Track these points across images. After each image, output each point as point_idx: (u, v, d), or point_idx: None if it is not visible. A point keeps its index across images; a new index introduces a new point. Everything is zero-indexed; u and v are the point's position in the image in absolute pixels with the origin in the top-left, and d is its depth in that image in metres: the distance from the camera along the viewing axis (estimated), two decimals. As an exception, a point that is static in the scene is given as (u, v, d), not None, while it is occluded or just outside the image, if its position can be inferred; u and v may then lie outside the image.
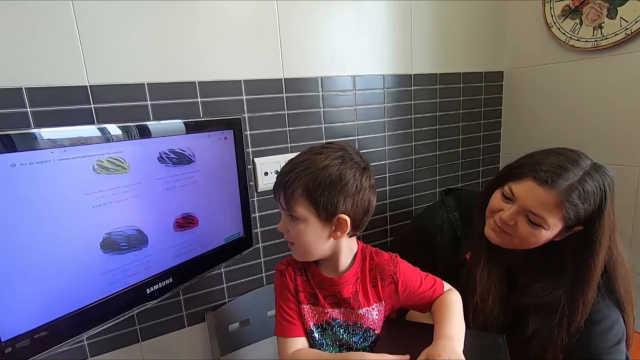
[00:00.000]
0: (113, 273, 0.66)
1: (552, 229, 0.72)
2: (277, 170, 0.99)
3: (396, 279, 0.70)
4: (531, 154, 0.77)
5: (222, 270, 1.00)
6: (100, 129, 0.64)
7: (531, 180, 0.71)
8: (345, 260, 0.69)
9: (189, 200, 0.78)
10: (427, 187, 1.28)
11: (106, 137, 0.64)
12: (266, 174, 0.99)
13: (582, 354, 0.71)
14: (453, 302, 0.71)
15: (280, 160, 1.00)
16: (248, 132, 0.96)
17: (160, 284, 0.74)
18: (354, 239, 0.71)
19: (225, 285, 1.01)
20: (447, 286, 0.76)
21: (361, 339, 0.69)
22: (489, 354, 0.62)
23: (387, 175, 1.19)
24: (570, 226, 0.72)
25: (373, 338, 0.69)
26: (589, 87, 1.12)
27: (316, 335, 0.68)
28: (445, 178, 1.31)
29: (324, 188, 0.61)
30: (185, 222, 0.79)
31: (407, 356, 0.60)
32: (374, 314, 0.69)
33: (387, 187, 1.20)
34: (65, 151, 0.58)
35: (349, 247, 0.69)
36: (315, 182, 0.61)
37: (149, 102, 0.83)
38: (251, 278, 1.04)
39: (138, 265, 0.69)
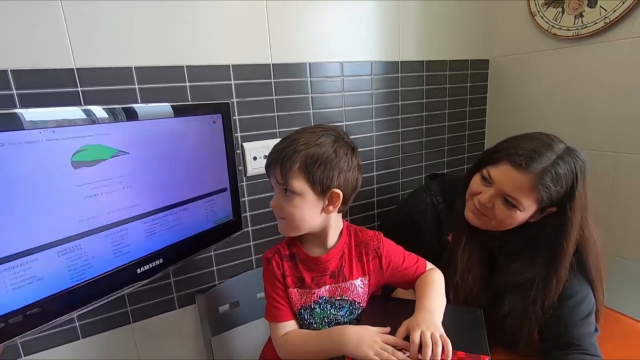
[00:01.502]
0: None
1: (527, 211, 0.75)
2: (266, 155, 1.01)
3: (380, 253, 0.74)
4: (508, 139, 0.80)
5: (212, 253, 1.01)
6: (85, 111, 0.64)
7: (507, 164, 0.74)
8: (333, 235, 0.72)
9: (177, 180, 0.79)
10: (414, 173, 1.31)
11: (92, 119, 0.64)
12: (255, 158, 1.00)
13: (555, 327, 0.75)
14: (435, 279, 0.75)
15: (269, 145, 1.00)
16: (237, 117, 0.97)
17: (150, 265, 0.76)
18: (340, 216, 0.74)
19: (215, 268, 1.03)
20: (429, 265, 0.80)
21: (347, 313, 0.72)
22: (466, 325, 0.65)
23: (375, 161, 1.21)
24: (544, 208, 0.75)
25: (359, 311, 0.72)
26: (570, 75, 1.15)
27: (305, 316, 0.72)
28: (431, 164, 1.34)
29: (320, 163, 0.64)
30: (174, 202, 0.80)
31: (388, 328, 0.63)
32: (358, 287, 0.72)
33: (375, 173, 1.22)
34: (53, 132, 0.58)
35: (336, 223, 0.72)
36: (313, 157, 0.64)
37: (137, 86, 0.84)
38: (241, 261, 1.06)
39: (129, 241, 0.71)
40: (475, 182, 0.82)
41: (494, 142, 0.82)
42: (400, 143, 1.25)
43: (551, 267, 0.76)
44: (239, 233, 0.99)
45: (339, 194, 0.66)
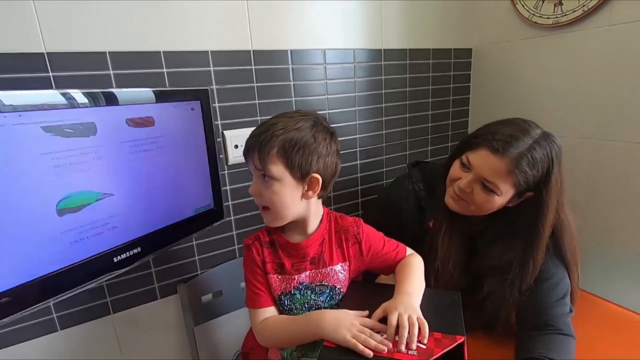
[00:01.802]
0: (75, 232, 0.65)
1: (504, 195, 0.76)
2: (247, 143, 1.00)
3: (359, 238, 0.74)
4: (487, 125, 0.81)
5: (194, 242, 1.00)
6: (63, 94, 0.62)
7: (485, 149, 0.75)
8: (313, 221, 0.72)
9: (154, 166, 0.77)
10: (398, 161, 1.31)
11: (66, 103, 0.62)
12: (236, 146, 0.99)
13: (531, 309, 0.77)
14: (414, 263, 0.76)
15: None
16: (217, 105, 0.95)
17: (127, 253, 0.74)
18: (320, 202, 0.74)
19: (197, 257, 1.02)
20: (409, 250, 0.80)
21: (328, 298, 0.72)
22: (444, 308, 0.66)
23: (358, 149, 1.21)
24: (522, 192, 0.76)
25: (339, 296, 0.73)
26: (551, 63, 1.17)
27: (285, 302, 0.72)
28: (415, 153, 1.34)
29: (299, 148, 0.63)
30: (151, 186, 0.78)
31: (366, 311, 0.64)
32: (339, 273, 0.72)
33: (358, 162, 1.22)
34: (20, 116, 0.56)
35: (317, 209, 0.72)
36: (291, 142, 0.63)
37: (111, 72, 0.81)
38: (223, 250, 1.06)
39: (102, 225, 0.69)
40: (455, 168, 0.83)
41: (478, 132, 0.82)
42: (383, 132, 1.25)
43: (528, 251, 0.77)
44: (220, 222, 0.98)
45: (318, 179, 0.66)
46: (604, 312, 0.89)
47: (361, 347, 0.56)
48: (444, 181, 0.87)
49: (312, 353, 0.71)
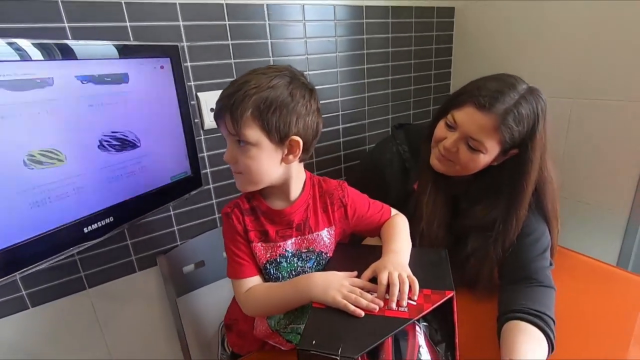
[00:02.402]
0: (35, 192, 0.59)
1: (490, 153, 0.75)
2: (223, 106, 0.94)
3: (345, 202, 0.71)
4: (472, 82, 0.78)
5: (172, 212, 0.96)
6: (10, 44, 0.55)
7: (471, 105, 0.73)
8: (296, 187, 0.68)
9: (123, 127, 0.71)
10: (380, 126, 1.29)
11: (21, 55, 0.55)
12: (212, 110, 0.92)
13: (514, 264, 0.78)
14: (400, 223, 0.75)
15: (226, 96, 0.94)
16: (189, 64, 0.88)
17: (99, 223, 0.69)
18: (302, 166, 0.69)
19: (176, 228, 0.98)
20: (394, 211, 0.79)
21: (315, 264, 0.70)
22: (432, 265, 0.66)
23: (340, 113, 1.17)
24: (507, 150, 0.76)
25: (326, 262, 0.71)
26: (533, 22, 1.15)
27: (271, 270, 0.68)
28: (397, 117, 1.32)
29: (275, 108, 0.57)
30: (118, 142, 0.72)
31: (354, 272, 0.62)
32: (325, 238, 0.70)
33: (341, 126, 1.19)
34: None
35: (298, 174, 0.68)
36: (266, 101, 0.57)
37: (66, 24, 0.73)
38: (203, 220, 1.02)
39: (64, 186, 0.64)
40: (440, 128, 0.81)
41: (459, 94, 0.80)
42: (366, 94, 1.21)
43: (511, 208, 0.78)
44: (198, 190, 0.94)
45: (298, 142, 0.61)
46: (576, 264, 0.93)
47: (352, 307, 0.55)
48: (429, 142, 0.86)
49: (300, 320, 0.70)
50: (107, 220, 0.71)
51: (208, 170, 0.98)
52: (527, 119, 0.72)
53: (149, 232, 0.94)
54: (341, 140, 1.21)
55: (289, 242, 0.68)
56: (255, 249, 0.67)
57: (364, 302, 0.55)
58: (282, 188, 0.67)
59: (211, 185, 1.00)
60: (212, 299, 1.08)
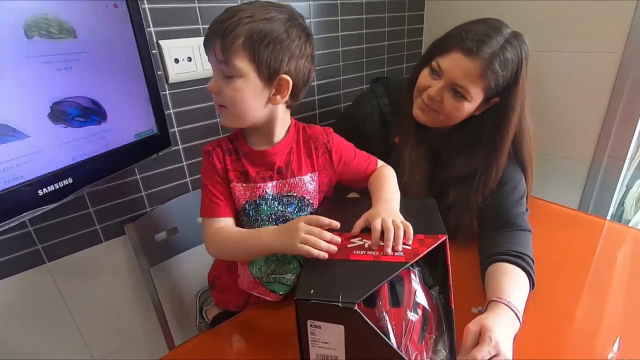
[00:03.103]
0: None
1: (474, 101, 0.75)
2: (189, 57, 0.86)
3: (329, 147, 0.70)
4: (456, 27, 0.76)
5: (138, 176, 0.88)
6: None
7: (458, 51, 0.71)
8: (280, 130, 0.66)
9: (76, 83, 0.63)
10: (355, 83, 1.25)
11: None
12: (177, 61, 0.84)
13: (494, 211, 0.80)
14: (388, 174, 0.74)
15: (192, 45, 0.85)
16: (147, 6, 0.78)
17: (56, 185, 0.61)
18: (288, 112, 0.67)
19: (144, 193, 0.90)
20: (380, 163, 0.78)
21: (296, 209, 0.68)
22: (421, 212, 0.66)
23: (315, 67, 1.11)
24: (489, 97, 0.75)
25: (309, 208, 0.69)
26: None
27: (250, 212, 0.66)
28: (371, 74, 1.28)
29: (268, 41, 0.55)
30: (76, 108, 0.64)
31: (337, 223, 0.58)
32: (307, 183, 0.68)
33: (315, 82, 1.14)
34: None
35: (284, 118, 0.66)
36: (260, 33, 0.54)
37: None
38: (174, 184, 0.95)
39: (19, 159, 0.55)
40: (424, 76, 0.79)
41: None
42: (340, 49, 1.16)
43: (492, 157, 0.79)
44: (167, 151, 0.86)
45: (288, 82, 0.58)
46: (544, 210, 0.98)
47: (315, 252, 0.53)
48: (410, 94, 0.84)
49: (282, 270, 0.69)
50: (65, 182, 0.63)
51: (176, 129, 0.90)
52: (511, 63, 0.71)
53: (114, 198, 0.86)
54: (316, 97, 1.16)
55: (270, 184, 0.66)
56: (234, 189, 0.65)
57: (324, 245, 0.53)
58: (266, 130, 0.65)
59: (180, 146, 0.92)
60: (190, 266, 1.03)
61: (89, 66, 0.65)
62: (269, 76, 0.57)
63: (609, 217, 1.13)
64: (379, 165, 0.76)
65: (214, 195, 0.65)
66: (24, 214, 0.58)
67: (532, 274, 0.69)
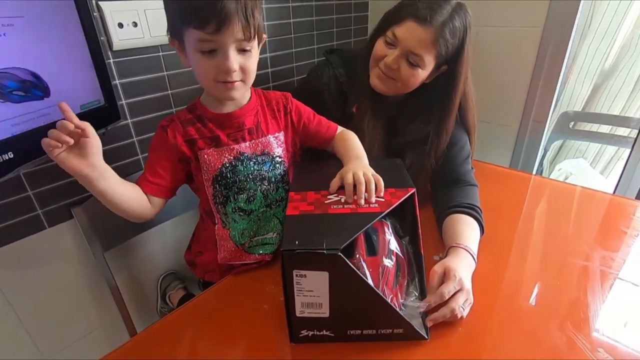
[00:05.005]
0: None
1: (427, 68, 0.80)
2: (135, 22, 0.80)
3: (289, 109, 0.73)
4: None
5: (84, 154, 0.80)
6: None
7: (412, 20, 0.75)
8: (246, 93, 0.68)
9: (12, 52, 0.56)
10: (307, 56, 1.25)
11: None
12: (121, 25, 0.77)
13: (445, 170, 0.88)
14: (351, 136, 0.78)
15: (138, 9, 0.79)
16: (82, -39, 0.70)
17: (-6, 159, 0.54)
18: None
19: (91, 172, 0.83)
20: (340, 128, 0.81)
21: (271, 167, 0.70)
22: (390, 169, 0.70)
23: (267, 39, 1.09)
24: (440, 65, 0.81)
25: (281, 166, 0.71)
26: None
27: (227, 174, 0.66)
28: (322, 47, 1.29)
29: (258, 7, 0.58)
30: (14, 81, 0.57)
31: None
32: (276, 142, 0.70)
33: (268, 54, 1.12)
34: None
35: None
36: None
37: None
38: (126, 161, 0.88)
39: None
40: (380, 46, 0.82)
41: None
42: (291, 20, 1.15)
43: (442, 121, 0.85)
44: (116, 124, 0.79)
45: (264, 39, 0.63)
46: (481, 169, 1.08)
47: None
48: (366, 64, 0.87)
49: (264, 230, 0.72)
50: (7, 157, 0.56)
51: (124, 101, 0.83)
52: (459, 32, 0.77)
53: (57, 179, 0.78)
54: (269, 70, 1.14)
55: (244, 145, 0.67)
56: (207, 155, 0.65)
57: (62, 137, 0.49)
58: None
59: (129, 120, 0.86)
60: (151, 248, 0.98)
61: (25, 32, 0.57)
62: (258, 39, 0.60)
63: (534, 173, 1.30)
64: (338, 131, 0.79)
65: (152, 171, 0.64)
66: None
67: (482, 222, 0.77)
